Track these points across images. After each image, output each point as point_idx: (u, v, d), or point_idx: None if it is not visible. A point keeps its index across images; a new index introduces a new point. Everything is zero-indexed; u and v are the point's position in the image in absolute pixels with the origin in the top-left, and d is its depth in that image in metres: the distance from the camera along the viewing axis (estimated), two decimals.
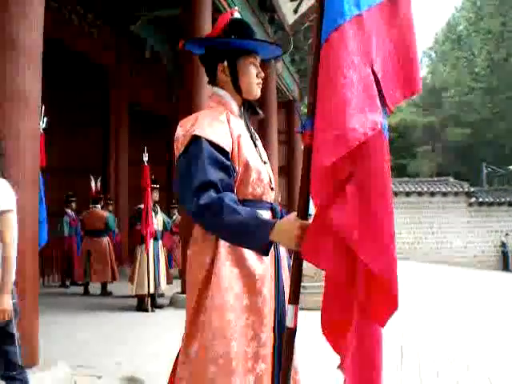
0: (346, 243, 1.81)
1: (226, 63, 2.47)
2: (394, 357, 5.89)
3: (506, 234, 29.80)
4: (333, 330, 2.03)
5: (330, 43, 1.83)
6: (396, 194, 29.89)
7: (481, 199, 30.20)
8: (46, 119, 6.20)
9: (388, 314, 1.81)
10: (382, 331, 1.92)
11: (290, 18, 14.32)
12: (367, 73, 1.81)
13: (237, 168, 2.33)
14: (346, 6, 1.84)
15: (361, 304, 1.85)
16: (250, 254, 2.31)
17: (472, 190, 30.58)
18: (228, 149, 2.29)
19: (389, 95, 1.88)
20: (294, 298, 1.98)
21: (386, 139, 1.85)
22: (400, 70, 1.91)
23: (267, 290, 2.34)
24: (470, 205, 30.18)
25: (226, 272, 2.26)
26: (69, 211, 12.90)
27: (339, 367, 2.04)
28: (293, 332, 1.97)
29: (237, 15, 2.55)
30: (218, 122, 2.35)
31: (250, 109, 2.60)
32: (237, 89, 2.50)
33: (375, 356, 1.89)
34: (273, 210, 2.49)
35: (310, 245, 1.93)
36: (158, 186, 9.68)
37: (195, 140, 2.26)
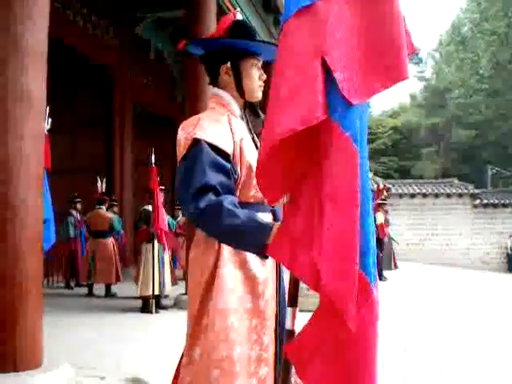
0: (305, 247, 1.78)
1: (229, 64, 2.47)
2: (397, 363, 5.88)
3: (511, 236, 29.70)
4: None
5: (278, 41, 1.83)
6: (400, 195, 29.86)
7: (485, 201, 30.11)
8: (50, 120, 6.22)
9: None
10: (372, 342, 1.80)
11: None
12: (312, 66, 1.71)
13: (238, 171, 2.33)
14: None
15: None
16: (252, 257, 2.32)
17: (476, 191, 30.49)
18: (229, 151, 2.30)
19: (352, 87, 1.72)
20: (293, 301, 1.98)
21: (345, 135, 1.70)
22: (376, 59, 1.74)
23: (269, 293, 2.35)
24: (475, 206, 30.09)
25: (229, 275, 2.27)
26: (73, 212, 12.92)
27: (300, 375, 1.96)
28: (292, 334, 1.98)
29: (239, 17, 2.55)
30: (219, 125, 2.35)
31: (251, 110, 2.60)
32: (239, 90, 2.51)
33: (363, 366, 1.77)
34: (274, 212, 2.50)
35: (274, 241, 1.95)
36: (163, 187, 9.71)
37: (196, 143, 2.27)
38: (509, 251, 29.76)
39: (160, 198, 9.26)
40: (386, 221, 16.16)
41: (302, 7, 1.77)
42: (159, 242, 9.05)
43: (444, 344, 6.83)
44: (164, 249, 9.16)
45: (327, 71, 1.71)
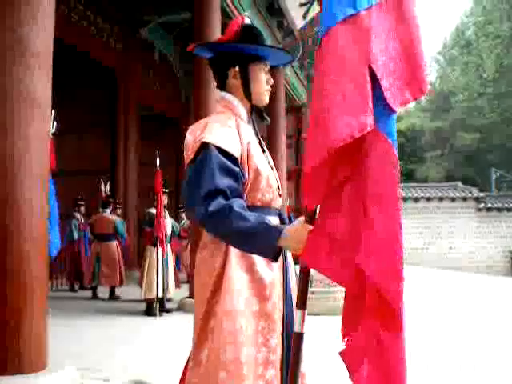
0: (346, 252, 1.78)
1: (237, 68, 2.47)
2: None
3: None
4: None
5: (321, 47, 1.84)
6: (404, 199, 29.82)
7: (489, 204, 30.07)
8: (55, 124, 6.24)
9: (395, 329, 1.74)
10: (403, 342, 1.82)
11: (299, 23, 14.34)
12: (361, 73, 1.77)
13: (246, 174, 2.33)
14: (336, 8, 1.83)
15: (372, 310, 1.79)
16: (259, 260, 2.31)
17: (481, 195, 30.46)
18: (237, 155, 2.30)
19: (394, 95, 1.82)
20: (302, 303, 1.98)
21: (390, 144, 1.78)
22: (408, 70, 1.86)
23: (276, 296, 2.35)
24: (479, 210, 30.06)
25: (237, 277, 2.26)
26: (77, 215, 12.94)
27: (350, 377, 2.00)
28: (301, 337, 1.98)
29: (247, 21, 2.55)
30: (227, 128, 2.35)
31: (258, 115, 2.61)
32: (247, 94, 2.50)
33: (399, 368, 1.80)
34: (280, 216, 2.49)
35: (310, 250, 1.93)
36: (167, 190, 9.72)
37: (204, 147, 2.27)
38: None
39: (162, 201, 9.27)
40: None
41: (348, 15, 1.82)
42: (160, 245, 9.04)
43: (448, 348, 6.81)
44: (163, 253, 9.15)
45: (372, 79, 1.77)
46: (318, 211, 1.96)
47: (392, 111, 1.82)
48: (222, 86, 2.57)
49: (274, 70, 2.60)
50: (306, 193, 1.90)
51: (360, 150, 1.77)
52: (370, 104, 1.75)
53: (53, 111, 5.13)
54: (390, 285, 1.69)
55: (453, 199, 30.24)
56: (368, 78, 1.77)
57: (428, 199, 30.38)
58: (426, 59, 1.88)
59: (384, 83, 1.79)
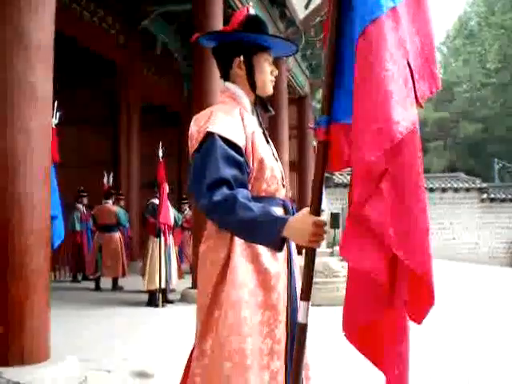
0: (383, 240, 1.79)
1: (242, 58, 2.46)
2: None
3: None
4: (359, 331, 2.00)
5: (366, 37, 1.80)
6: None
7: (492, 195, 30.02)
8: (58, 114, 6.23)
9: (425, 310, 1.82)
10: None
11: (301, 14, 14.29)
12: (404, 65, 1.79)
13: (251, 164, 2.32)
14: None
15: (403, 302, 1.86)
16: (264, 251, 2.31)
17: (484, 185, 30.41)
18: (241, 145, 2.28)
19: (419, 89, 1.86)
20: (306, 294, 1.97)
21: (418, 132, 1.82)
22: (426, 65, 1.89)
23: (281, 287, 2.34)
24: (482, 201, 30.02)
25: (242, 268, 2.26)
26: (80, 206, 12.96)
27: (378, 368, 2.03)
28: (304, 328, 1.97)
29: (252, 11, 2.54)
30: (231, 118, 2.34)
31: (262, 106, 2.59)
32: (251, 85, 2.49)
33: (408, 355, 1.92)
34: (285, 206, 2.49)
35: (349, 244, 1.90)
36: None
37: (209, 136, 2.25)
38: None
39: (166, 191, 9.27)
40: None
41: (390, 8, 1.82)
42: (163, 236, 9.05)
43: (448, 339, 6.82)
44: (165, 243, 9.15)
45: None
46: (324, 203, 1.96)
47: (419, 104, 1.86)
48: (226, 76, 2.55)
49: (276, 61, 2.58)
50: (355, 187, 1.87)
51: (399, 141, 1.77)
52: (414, 97, 1.80)
53: (55, 102, 5.11)
54: (428, 267, 1.76)
55: (456, 190, 30.19)
56: (409, 71, 1.80)
57: (431, 190, 30.31)
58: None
59: (416, 77, 1.84)
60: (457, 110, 43.71)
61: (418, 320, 1.85)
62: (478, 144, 42.59)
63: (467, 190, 30.17)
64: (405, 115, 1.74)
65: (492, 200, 30.04)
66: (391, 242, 1.76)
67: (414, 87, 1.84)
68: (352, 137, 1.86)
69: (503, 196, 29.99)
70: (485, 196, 30.00)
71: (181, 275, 10.31)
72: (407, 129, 1.73)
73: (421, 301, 1.81)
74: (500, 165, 38.85)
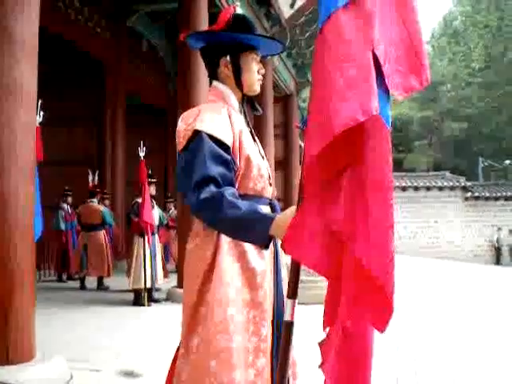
0: (339, 240, 1.77)
1: (228, 58, 2.46)
2: (389, 359, 5.90)
3: (499, 229, 29.86)
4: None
5: (322, 33, 1.81)
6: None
7: (477, 194, 30.27)
8: (42, 113, 6.20)
9: (385, 319, 1.73)
10: (372, 335, 1.87)
11: (287, 12, 14.30)
12: (365, 58, 1.74)
13: (238, 163, 2.33)
14: None
15: (349, 303, 1.80)
16: (250, 249, 2.32)
17: (468, 184, 30.65)
18: (229, 143, 2.29)
19: (396, 82, 1.82)
20: (293, 293, 1.98)
21: (387, 129, 1.77)
22: (413, 57, 1.86)
23: (267, 285, 2.35)
24: (466, 199, 30.26)
25: (228, 266, 2.26)
26: (64, 205, 12.88)
27: (320, 366, 2.03)
28: (291, 325, 1.98)
29: (238, 11, 2.54)
30: (219, 116, 2.35)
31: (249, 104, 2.60)
32: (238, 84, 2.50)
33: (363, 360, 1.84)
34: (271, 205, 2.49)
35: (291, 238, 1.91)
36: (154, 180, 9.69)
37: (196, 134, 2.26)
38: (495, 244, 29.95)
39: (147, 191, 9.23)
40: None
41: (350, 0, 1.79)
42: (146, 235, 9.02)
43: (433, 338, 6.86)
44: (149, 242, 9.12)
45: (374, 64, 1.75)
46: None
47: (388, 98, 1.82)
48: (214, 76, 2.56)
49: (262, 60, 2.59)
50: (306, 181, 1.87)
51: (361, 137, 1.76)
52: (375, 88, 1.72)
53: (39, 101, 5.09)
54: (386, 271, 1.69)
55: (440, 188, 30.41)
56: (372, 63, 1.74)
57: (416, 188, 30.53)
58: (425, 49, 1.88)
59: (386, 69, 1.78)
60: (442, 108, 43.97)
61: (379, 328, 1.77)
62: (462, 143, 42.86)
63: (452, 188, 30.38)
64: (352, 108, 1.68)
65: (476, 198, 30.30)
66: (349, 242, 1.74)
67: (381, 79, 1.78)
68: (306, 130, 1.84)
69: (487, 194, 30.26)
70: (469, 194, 30.25)
71: (166, 274, 10.29)
72: (354, 120, 1.67)
73: (379, 307, 1.73)
74: (485, 163, 39.14)
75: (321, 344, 2.00)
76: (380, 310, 1.73)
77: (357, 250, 1.72)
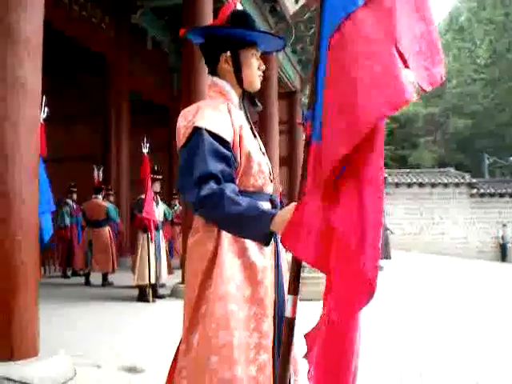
0: (335, 235, 1.77)
1: (228, 53, 2.46)
2: (393, 359, 5.90)
3: (504, 226, 29.79)
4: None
5: (342, 32, 1.77)
6: (397, 184, 29.92)
7: (482, 190, 30.19)
8: (46, 109, 6.21)
9: (357, 306, 1.73)
10: (357, 324, 1.86)
11: (291, 8, 14.27)
12: (389, 53, 1.71)
13: (238, 159, 2.33)
14: None
15: (336, 294, 1.79)
16: (251, 245, 2.32)
17: (473, 180, 30.57)
18: (229, 139, 2.29)
19: (422, 75, 1.80)
20: (294, 289, 1.98)
21: (382, 128, 1.76)
22: (434, 51, 1.87)
23: (268, 281, 2.35)
24: (472, 196, 30.18)
25: (229, 262, 2.26)
26: (69, 201, 12.92)
27: (304, 357, 2.04)
28: (292, 322, 1.98)
29: (239, 7, 2.54)
30: (219, 113, 2.34)
31: (249, 101, 2.60)
32: (238, 80, 2.49)
33: (346, 352, 1.82)
34: (272, 201, 2.49)
35: (290, 234, 1.92)
36: (159, 176, 9.69)
37: (196, 131, 2.26)
38: (500, 241, 29.88)
39: (154, 187, 9.25)
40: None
41: None
42: (148, 231, 9.02)
43: (438, 334, 6.85)
44: (152, 238, 9.13)
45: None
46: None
47: (422, 90, 1.81)
48: (214, 71, 2.55)
49: (266, 56, 2.59)
50: (309, 177, 1.87)
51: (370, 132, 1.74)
52: (403, 80, 1.69)
53: (43, 97, 5.09)
54: (373, 265, 1.70)
55: (445, 185, 30.34)
56: (397, 58, 1.72)
57: (421, 185, 30.46)
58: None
59: (411, 63, 1.76)
60: (447, 105, 43.84)
61: (348, 316, 1.77)
62: (467, 139, 42.74)
63: (457, 185, 30.32)
64: (376, 106, 1.68)
65: (481, 195, 30.22)
66: (340, 235, 1.73)
67: (417, 74, 1.79)
68: (324, 135, 1.82)
69: (493, 191, 30.17)
70: (474, 191, 30.17)
71: (171, 270, 10.31)
72: (382, 116, 1.68)
73: (353, 300, 1.73)
74: (490, 160, 39.03)
75: (306, 335, 2.00)
76: (360, 300, 1.72)
77: (353, 245, 1.71)
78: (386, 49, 1.72)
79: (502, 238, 29.73)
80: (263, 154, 2.51)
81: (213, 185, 2.16)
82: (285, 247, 1.98)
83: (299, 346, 2.48)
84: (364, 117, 1.67)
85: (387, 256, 16.65)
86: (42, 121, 5.64)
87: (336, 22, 1.80)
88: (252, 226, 2.15)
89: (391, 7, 1.76)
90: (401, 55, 1.73)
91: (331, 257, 1.79)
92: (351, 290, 1.72)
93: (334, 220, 1.76)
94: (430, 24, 1.87)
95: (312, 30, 15.74)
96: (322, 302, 1.86)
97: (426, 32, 1.86)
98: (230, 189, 2.16)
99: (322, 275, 1.91)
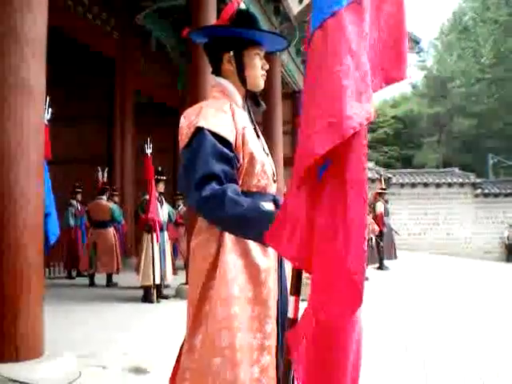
0: (319, 234, 1.77)
1: (231, 53, 2.46)
2: (398, 355, 5.89)
3: (510, 226, 29.72)
4: None
5: (325, 29, 1.77)
6: (402, 185, 29.89)
7: (486, 190, 30.12)
8: (50, 110, 6.21)
9: (347, 312, 1.71)
10: (355, 329, 1.85)
11: (295, 9, 14.27)
12: (364, 60, 1.73)
13: (241, 159, 2.33)
14: None
15: (320, 294, 1.77)
16: (254, 246, 2.31)
17: (478, 181, 30.51)
18: (232, 140, 2.28)
19: (376, 77, 1.82)
20: (295, 290, 1.97)
21: (364, 129, 1.74)
22: (394, 50, 1.85)
23: (271, 282, 2.35)
24: (476, 196, 30.11)
25: (232, 263, 2.26)
26: (74, 202, 12.94)
27: (289, 355, 2.02)
28: (294, 322, 1.97)
29: (242, 6, 2.53)
30: (221, 113, 2.34)
31: (253, 100, 2.59)
32: (241, 80, 2.49)
33: (337, 352, 1.81)
34: (275, 201, 2.49)
35: (274, 230, 1.91)
36: (164, 177, 9.69)
37: (199, 132, 2.26)
38: (506, 241, 29.80)
39: (158, 188, 9.25)
40: (386, 210, 16.03)
41: (351, 1, 1.77)
42: (153, 231, 9.03)
43: (443, 335, 6.84)
44: (157, 239, 9.13)
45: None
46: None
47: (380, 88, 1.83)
48: (217, 71, 2.55)
49: (270, 56, 2.58)
50: (294, 175, 1.86)
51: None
52: (371, 92, 1.72)
53: (47, 98, 5.11)
54: (359, 266, 1.68)
55: (450, 185, 30.27)
56: (368, 66, 1.74)
57: (425, 185, 30.40)
58: (407, 45, 1.88)
59: (370, 67, 1.77)
60: (451, 105, 43.76)
61: (339, 322, 1.75)
62: (472, 139, 42.65)
63: (461, 185, 30.26)
64: (359, 111, 1.68)
65: (486, 195, 30.15)
66: (324, 234, 1.72)
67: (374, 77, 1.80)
68: (301, 128, 1.81)
69: (497, 191, 30.10)
70: (479, 191, 30.10)
71: (175, 271, 10.31)
72: (360, 124, 1.67)
73: (350, 301, 1.70)
74: (494, 160, 38.95)
75: (288, 334, 1.95)
76: (349, 302, 1.70)
77: (337, 245, 1.70)
78: (362, 55, 1.74)
79: (508, 238, 29.66)
80: (267, 154, 2.51)
81: (215, 185, 2.15)
82: (271, 246, 1.98)
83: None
84: (347, 122, 1.66)
85: (393, 256, 16.63)
86: (46, 122, 5.64)
87: (320, 18, 1.80)
88: (253, 226, 2.14)
89: (365, 16, 1.78)
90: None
91: (315, 256, 1.78)
92: (339, 291, 1.70)
93: (318, 219, 1.76)
94: (396, 21, 1.87)
95: None
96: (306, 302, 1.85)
97: (383, 33, 1.86)
98: (231, 189, 2.15)
99: None
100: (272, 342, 2.30)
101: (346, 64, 1.70)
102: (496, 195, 30.06)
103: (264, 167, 2.41)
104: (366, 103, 1.70)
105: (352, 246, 1.68)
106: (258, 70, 2.51)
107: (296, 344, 1.89)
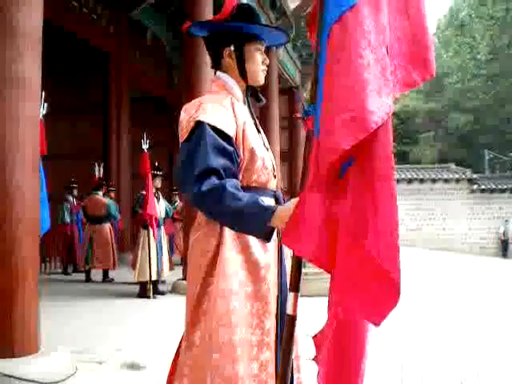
0: (344, 231, 1.74)
1: (232, 48, 2.43)
2: (394, 356, 5.88)
3: (506, 221, 29.79)
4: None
5: (343, 23, 1.74)
6: (398, 180, 29.88)
7: (483, 186, 30.19)
8: (46, 105, 6.18)
9: (385, 311, 1.67)
10: (368, 329, 1.86)
11: (292, 4, 14.25)
12: (383, 53, 1.72)
13: (241, 154, 2.31)
14: None
15: (343, 293, 1.77)
16: (254, 242, 2.30)
17: (474, 176, 30.57)
18: (232, 134, 2.27)
19: (401, 77, 1.80)
20: (295, 286, 1.96)
21: (390, 125, 1.74)
22: (417, 50, 1.84)
23: (271, 278, 2.33)
24: (472, 191, 30.18)
25: (231, 259, 2.24)
26: (69, 197, 12.90)
27: (313, 359, 2.02)
28: (293, 319, 1.96)
29: (243, 0, 2.51)
30: (222, 108, 2.32)
31: (253, 95, 2.57)
32: (242, 74, 2.47)
33: (354, 352, 1.83)
34: (276, 197, 2.47)
35: (290, 230, 1.88)
36: (160, 172, 9.66)
37: (199, 126, 2.24)
38: (502, 237, 29.87)
39: (155, 183, 9.23)
40: None
41: None
42: (150, 227, 9.01)
43: (441, 339, 6.84)
44: (154, 235, 9.11)
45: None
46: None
47: (402, 90, 1.82)
48: (217, 66, 2.53)
49: (266, 51, 2.55)
50: (312, 172, 1.82)
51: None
52: (391, 86, 1.72)
53: (43, 93, 5.07)
54: (394, 264, 1.66)
55: (446, 181, 30.33)
56: (388, 59, 1.73)
57: (421, 181, 30.46)
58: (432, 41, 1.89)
59: (392, 64, 1.77)
60: (447, 101, 43.79)
61: (376, 320, 1.70)
62: (468, 135, 42.70)
63: (457, 180, 30.32)
64: (380, 105, 1.67)
65: (482, 191, 30.22)
66: (354, 235, 1.70)
67: (395, 75, 1.79)
68: (322, 123, 1.79)
69: (493, 187, 30.16)
70: (475, 187, 30.17)
71: (171, 267, 10.29)
72: (382, 119, 1.66)
73: (381, 300, 1.68)
74: (490, 155, 39.02)
75: (314, 337, 1.99)
76: (382, 302, 1.68)
77: (368, 243, 1.68)
78: (381, 49, 1.73)
79: (504, 233, 29.73)
80: (267, 149, 2.49)
81: (214, 180, 2.14)
82: (284, 244, 1.95)
83: (302, 344, 2.47)
84: (372, 116, 1.65)
85: None
86: (41, 116, 5.60)
87: (338, 12, 1.77)
88: (252, 221, 2.13)
89: (383, 8, 1.77)
90: (389, 57, 1.75)
91: (341, 256, 1.75)
92: (374, 290, 1.69)
93: (343, 217, 1.73)
94: (417, 22, 1.86)
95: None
96: (326, 300, 1.83)
97: (410, 31, 1.85)
98: (231, 184, 2.14)
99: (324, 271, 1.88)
100: (271, 338, 2.29)
101: (365, 57, 1.69)
102: (492, 191, 30.13)
103: (264, 162, 2.39)
104: (386, 97, 1.69)
105: (384, 244, 1.66)
106: (258, 65, 2.48)
107: (320, 347, 1.90)
